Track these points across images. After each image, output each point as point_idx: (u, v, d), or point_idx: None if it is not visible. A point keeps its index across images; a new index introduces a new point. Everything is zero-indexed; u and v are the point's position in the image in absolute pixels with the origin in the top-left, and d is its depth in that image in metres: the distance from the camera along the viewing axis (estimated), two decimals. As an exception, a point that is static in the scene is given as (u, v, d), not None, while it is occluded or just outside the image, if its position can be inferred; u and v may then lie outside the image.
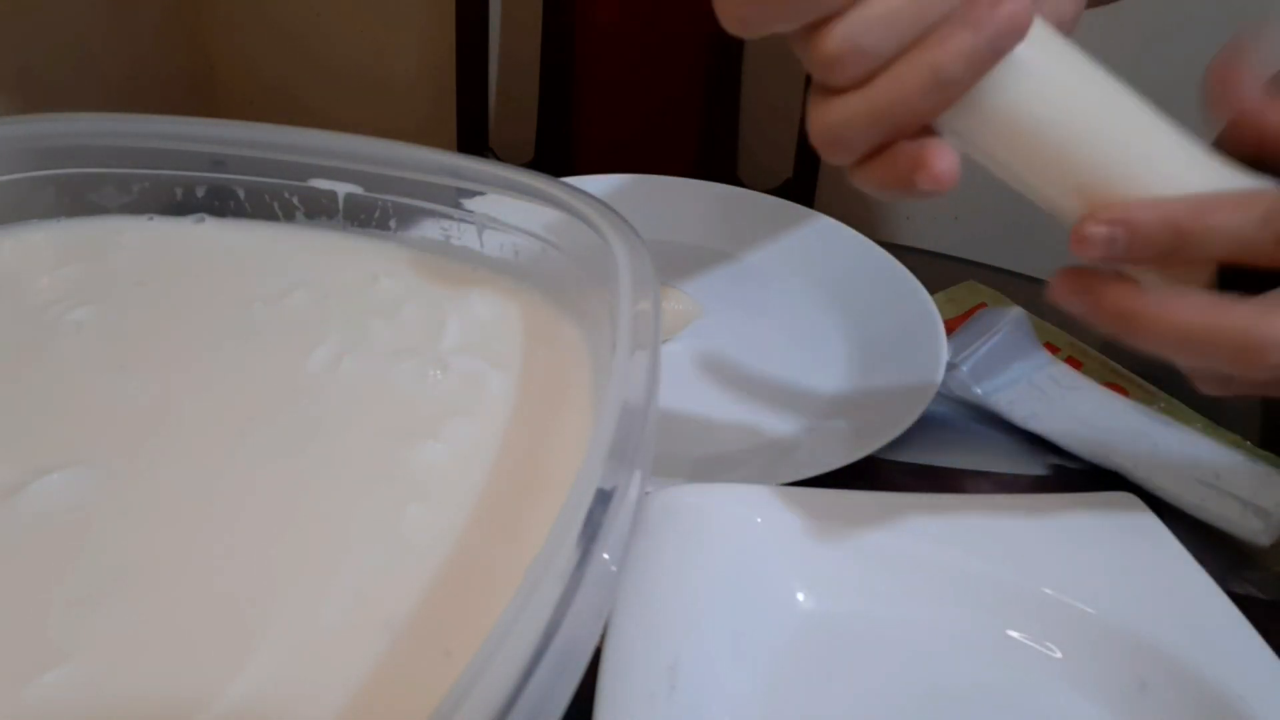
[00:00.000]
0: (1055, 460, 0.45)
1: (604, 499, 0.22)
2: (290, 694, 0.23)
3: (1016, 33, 0.25)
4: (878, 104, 0.26)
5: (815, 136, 0.27)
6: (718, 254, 0.59)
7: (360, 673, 0.23)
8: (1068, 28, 0.30)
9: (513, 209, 0.36)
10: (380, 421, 0.31)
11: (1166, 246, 0.26)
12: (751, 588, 0.33)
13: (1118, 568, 0.34)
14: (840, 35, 0.25)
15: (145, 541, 0.27)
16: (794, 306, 0.55)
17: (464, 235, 0.38)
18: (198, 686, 0.23)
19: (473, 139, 0.91)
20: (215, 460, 0.29)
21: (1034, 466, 0.45)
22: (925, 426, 0.43)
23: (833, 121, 0.27)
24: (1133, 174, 0.26)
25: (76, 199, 0.38)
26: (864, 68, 0.26)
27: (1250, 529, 0.41)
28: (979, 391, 0.46)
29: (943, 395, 0.46)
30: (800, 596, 0.34)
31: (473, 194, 0.37)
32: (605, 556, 0.21)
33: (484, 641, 0.19)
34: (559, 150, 0.91)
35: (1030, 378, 0.48)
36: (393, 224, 0.39)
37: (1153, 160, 0.27)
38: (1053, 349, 0.51)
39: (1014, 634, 0.33)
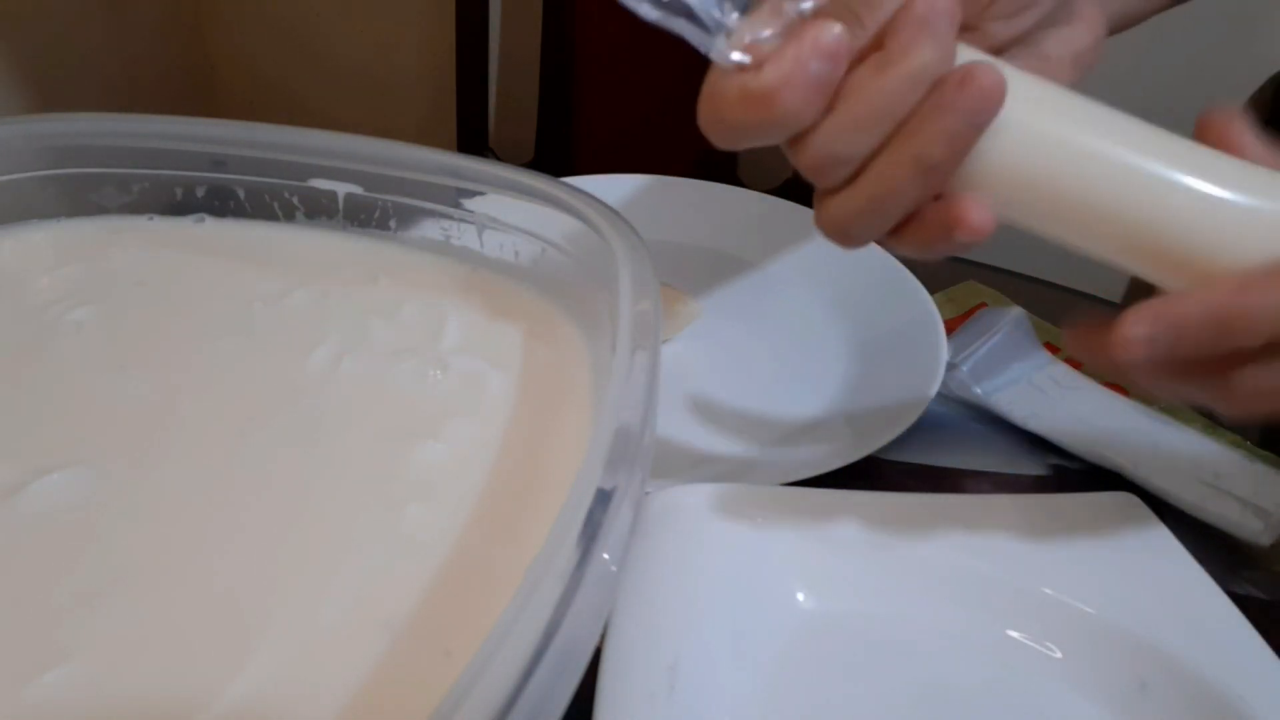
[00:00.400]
0: (1055, 460, 0.45)
1: (604, 499, 0.22)
2: (290, 694, 0.23)
3: (991, 106, 0.25)
4: (870, 198, 0.26)
5: (824, 231, 0.28)
6: (718, 254, 0.59)
7: (360, 673, 0.23)
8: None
9: (513, 209, 0.36)
10: (380, 421, 0.31)
11: (1211, 342, 0.25)
12: (751, 588, 0.33)
13: (1118, 568, 0.34)
14: (816, 147, 0.26)
15: (145, 541, 0.27)
16: (794, 306, 0.55)
17: (464, 235, 0.38)
18: (198, 686, 0.23)
19: (473, 139, 0.91)
20: (215, 460, 0.30)
21: (1034, 466, 0.45)
22: (925, 426, 0.43)
23: (835, 217, 0.27)
24: (1158, 215, 0.26)
25: (76, 199, 0.38)
26: (846, 171, 0.26)
27: (1250, 529, 0.41)
28: (979, 391, 0.46)
29: (943, 395, 0.46)
30: (800, 596, 0.34)
31: (473, 194, 0.37)
32: (605, 556, 0.21)
33: (484, 641, 0.19)
34: (559, 150, 0.91)
35: (1030, 378, 0.48)
36: (393, 224, 0.39)
37: (1177, 192, 0.26)
38: (1053, 349, 0.51)
39: (1014, 634, 0.33)
